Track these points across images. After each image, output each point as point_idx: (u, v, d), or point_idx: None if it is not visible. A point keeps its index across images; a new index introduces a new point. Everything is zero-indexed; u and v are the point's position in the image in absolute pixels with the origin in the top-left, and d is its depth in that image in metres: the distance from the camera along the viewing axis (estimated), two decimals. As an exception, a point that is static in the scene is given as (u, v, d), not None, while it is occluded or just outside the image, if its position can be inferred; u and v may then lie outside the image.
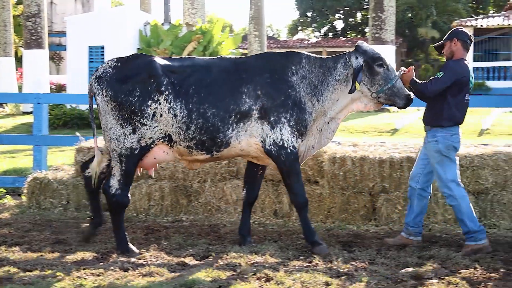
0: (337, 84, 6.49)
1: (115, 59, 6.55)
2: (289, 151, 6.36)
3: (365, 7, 46.53)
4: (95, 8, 36.14)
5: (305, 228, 6.48)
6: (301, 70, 6.49)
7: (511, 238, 6.84)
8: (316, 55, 6.66)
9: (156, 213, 8.23)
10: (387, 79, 6.41)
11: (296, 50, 6.82)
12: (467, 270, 5.50)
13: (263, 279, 5.31)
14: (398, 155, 7.65)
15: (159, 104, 6.27)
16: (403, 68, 6.62)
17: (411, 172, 6.81)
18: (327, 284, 5.17)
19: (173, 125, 6.31)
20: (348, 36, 50.55)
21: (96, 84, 6.39)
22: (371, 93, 6.44)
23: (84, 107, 18.63)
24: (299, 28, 54.45)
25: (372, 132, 15.77)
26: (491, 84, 32.15)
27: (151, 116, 6.26)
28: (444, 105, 6.40)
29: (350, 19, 52.69)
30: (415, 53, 50.76)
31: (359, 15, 52.28)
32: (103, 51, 21.95)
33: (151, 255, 6.12)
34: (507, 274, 5.42)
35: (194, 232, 7.23)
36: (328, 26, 52.84)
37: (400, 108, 6.60)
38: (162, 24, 22.85)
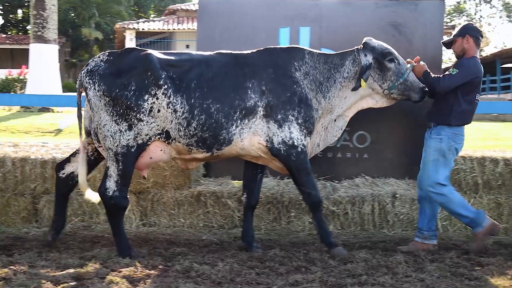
0: (345, 81, 6.26)
1: (106, 53, 6.02)
2: (300, 150, 6.08)
3: (26, 4, 45.15)
4: None
5: (321, 230, 6.22)
6: (304, 66, 6.17)
7: (170, 235, 7.12)
8: (320, 51, 6.33)
9: None
10: (398, 74, 6.23)
11: (298, 46, 6.42)
12: (127, 269, 5.56)
13: None
14: (61, 155, 7.53)
15: (157, 98, 5.89)
16: (409, 60, 6.46)
17: (417, 175, 6.62)
18: (-18, 291, 4.93)
19: (172, 121, 5.93)
20: (9, 33, 48.68)
21: (87, 78, 5.94)
22: (383, 90, 6.27)
23: None
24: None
25: (35, 133, 15.32)
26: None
27: (148, 111, 5.89)
28: (455, 103, 6.26)
29: (11, 16, 50.83)
30: (79, 53, 50.58)
31: (20, 12, 50.62)
32: None
33: None
34: (165, 271, 5.60)
35: None
36: (-12, 22, 50.46)
37: (415, 102, 6.35)
38: None
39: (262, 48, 6.36)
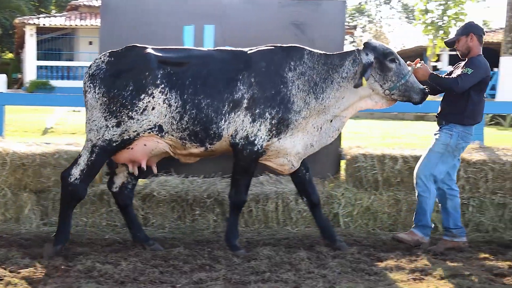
0: (344, 81, 6.16)
1: (107, 54, 6.10)
2: (255, 149, 6.06)
3: None
4: None
5: (230, 230, 6.23)
6: (301, 67, 6.08)
7: (72, 235, 6.89)
8: (322, 52, 6.18)
9: None
10: (400, 75, 6.14)
11: (299, 45, 6.26)
12: (27, 270, 5.46)
13: None
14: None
15: (153, 97, 5.94)
16: (409, 62, 6.35)
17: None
18: None
19: (166, 115, 5.97)
20: None
21: (89, 82, 6.03)
22: (384, 90, 6.16)
23: None
24: None
25: None
26: (54, 83, 32.32)
27: (141, 110, 5.93)
28: (468, 102, 6.28)
29: None
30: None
31: None
32: None
33: None
34: (67, 271, 5.52)
35: None
36: None
37: (415, 103, 6.24)
38: None
39: (263, 46, 6.37)
